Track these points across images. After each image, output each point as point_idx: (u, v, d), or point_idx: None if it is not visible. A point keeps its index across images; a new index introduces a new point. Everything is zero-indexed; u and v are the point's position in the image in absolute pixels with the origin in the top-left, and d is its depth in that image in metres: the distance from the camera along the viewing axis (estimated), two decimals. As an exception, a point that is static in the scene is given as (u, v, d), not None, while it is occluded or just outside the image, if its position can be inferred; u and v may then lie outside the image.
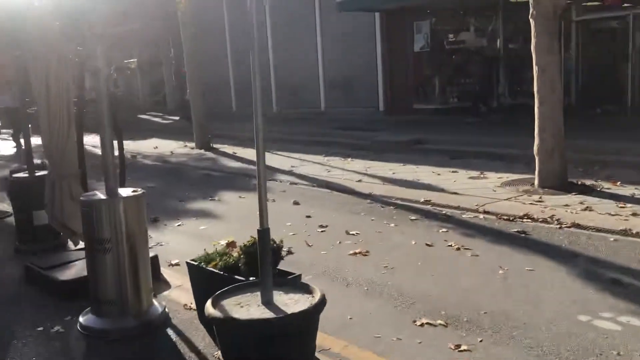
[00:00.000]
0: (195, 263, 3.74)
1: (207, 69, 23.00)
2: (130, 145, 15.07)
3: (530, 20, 7.18)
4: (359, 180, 8.67)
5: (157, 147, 14.32)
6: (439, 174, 8.77)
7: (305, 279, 3.65)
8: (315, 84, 18.53)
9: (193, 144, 14.11)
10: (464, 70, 15.93)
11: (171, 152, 13.37)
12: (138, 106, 27.17)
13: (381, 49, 16.64)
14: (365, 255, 5.11)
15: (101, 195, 3.83)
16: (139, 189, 3.93)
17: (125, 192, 3.91)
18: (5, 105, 15.56)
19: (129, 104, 23.78)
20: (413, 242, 5.42)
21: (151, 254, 4.82)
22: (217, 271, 3.53)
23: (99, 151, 3.97)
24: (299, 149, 12.54)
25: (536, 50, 7.13)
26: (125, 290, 3.76)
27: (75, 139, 4.51)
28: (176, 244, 5.77)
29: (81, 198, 3.87)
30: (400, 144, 11.98)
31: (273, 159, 11.34)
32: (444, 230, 5.81)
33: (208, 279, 3.57)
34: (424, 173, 8.95)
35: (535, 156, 7.31)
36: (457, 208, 6.72)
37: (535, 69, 7.15)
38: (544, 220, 5.91)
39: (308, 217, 6.61)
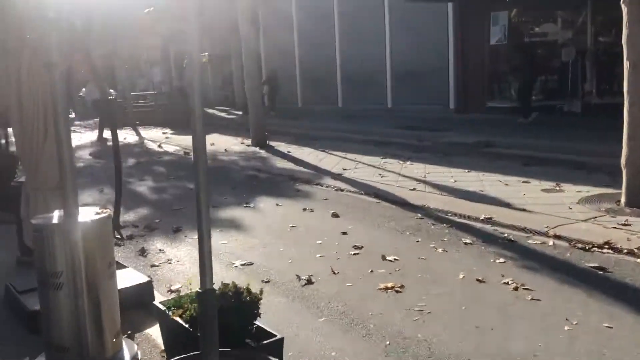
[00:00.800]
0: (163, 308, 3.00)
1: (273, 63, 22.60)
2: (186, 142, 14.81)
3: (622, 6, 5.93)
4: (413, 189, 7.69)
5: (213, 144, 13.87)
6: (507, 184, 7.63)
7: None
8: (382, 78, 17.54)
9: (250, 141, 13.57)
10: (546, 66, 14.40)
11: (225, 149, 12.87)
12: (208, 100, 27.22)
13: (454, 41, 15.41)
14: (399, 291, 4.19)
15: (56, 218, 3.15)
16: (106, 210, 3.21)
17: (87, 214, 3.21)
18: (93, 97, 15.95)
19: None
20: (461, 276, 4.44)
21: (145, 279, 4.17)
22: (182, 323, 2.76)
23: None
24: (356, 148, 11.67)
25: (628, 42, 5.89)
26: (84, 335, 3.06)
27: (55, 149, 3.85)
28: (188, 263, 5.08)
29: (32, 220, 3.21)
30: (467, 147, 10.82)
31: (325, 160, 10.54)
32: (502, 260, 4.77)
33: (173, 330, 2.82)
34: (489, 182, 7.84)
35: (623, 168, 6.08)
36: (523, 230, 5.64)
37: (625, 64, 5.90)
38: (631, 252, 4.75)
39: (344, 233, 5.74)
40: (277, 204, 7.23)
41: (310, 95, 20.91)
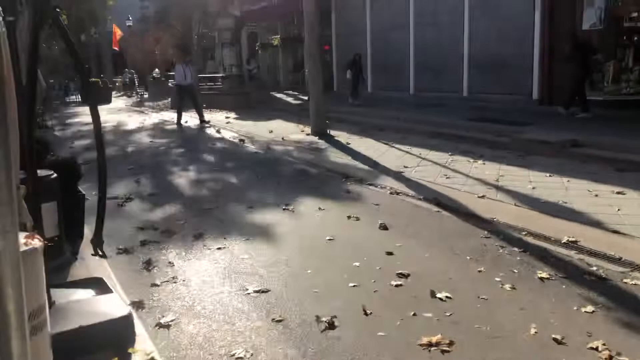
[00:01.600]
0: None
1: (342, 46, 21.56)
2: (246, 128, 14.17)
3: None
4: (482, 196, 6.54)
5: (272, 132, 13.15)
6: (596, 195, 6.33)
7: None
8: (458, 64, 16.09)
9: (310, 130, 12.72)
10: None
11: (282, 138, 12.07)
12: (279, 84, 26.61)
13: (540, 25, 13.76)
14: (446, 350, 3.16)
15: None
16: (37, 240, 2.40)
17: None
18: (179, 83, 15.60)
19: (262, 83, 23.07)
20: (532, 331, 3.35)
21: (124, 311, 3.37)
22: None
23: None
24: (422, 142, 10.54)
25: None
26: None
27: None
28: (194, 284, 4.26)
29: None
30: (551, 146, 9.42)
31: (387, 155, 9.50)
32: (590, 309, 3.62)
33: None
34: (576, 191, 6.55)
35: None
36: (618, 262, 4.42)
37: None
38: None
39: (389, 254, 4.74)
40: (319, 208, 6.30)
41: (381, 81, 19.75)
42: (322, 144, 11.19)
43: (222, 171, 8.59)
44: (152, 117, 17.96)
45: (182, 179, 8.12)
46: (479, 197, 6.55)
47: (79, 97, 26.00)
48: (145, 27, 30.45)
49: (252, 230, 5.50)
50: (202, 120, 15.14)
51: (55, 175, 4.57)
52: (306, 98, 20.30)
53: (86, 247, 5.02)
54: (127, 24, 35.67)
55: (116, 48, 35.05)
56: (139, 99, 26.52)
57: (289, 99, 21.42)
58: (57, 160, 5.42)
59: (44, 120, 10.82)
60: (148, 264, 4.56)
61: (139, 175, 8.37)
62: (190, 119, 17.07)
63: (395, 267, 4.41)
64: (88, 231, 5.45)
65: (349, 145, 10.73)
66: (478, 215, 5.84)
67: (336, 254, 4.80)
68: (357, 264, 4.50)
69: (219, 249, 4.98)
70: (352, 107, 16.93)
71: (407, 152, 9.70)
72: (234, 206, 6.48)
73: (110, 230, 5.60)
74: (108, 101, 25.14)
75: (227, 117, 17.08)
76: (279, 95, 23.17)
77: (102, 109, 21.08)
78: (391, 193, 6.95)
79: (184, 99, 15.57)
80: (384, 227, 5.47)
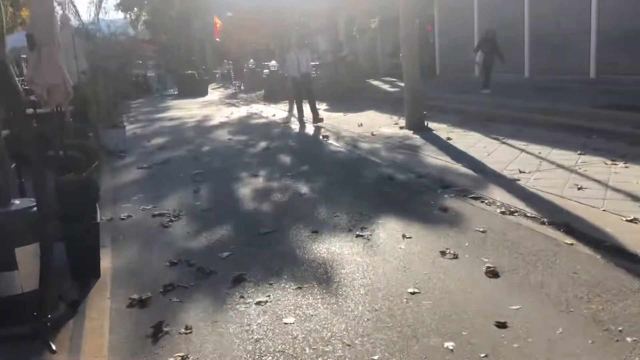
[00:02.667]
0: None
1: (447, 25, 19.52)
2: (334, 121, 12.80)
3: None
4: (633, 219, 4.71)
5: (361, 125, 11.69)
6: None
7: None
8: (584, 41, 13.62)
9: (404, 122, 11.14)
10: None
11: (372, 132, 10.58)
12: (377, 70, 25.00)
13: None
14: None
15: None
16: None
17: None
18: (291, 74, 13.91)
19: (358, 70, 21.54)
20: None
21: None
22: None
23: None
24: (542, 136, 8.66)
25: None
26: None
27: None
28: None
29: None
30: None
31: (496, 154, 7.77)
32: None
33: None
34: None
35: None
36: None
37: None
38: None
39: (500, 326, 3.16)
40: (404, 235, 4.79)
41: (450, 62, 17.59)
42: (417, 139, 9.57)
43: (294, 178, 7.29)
44: (241, 110, 17.12)
45: (247, 188, 6.91)
46: (627, 220, 4.73)
47: (176, 90, 26.04)
48: (244, 17, 29.96)
49: (310, 272, 4.12)
50: (317, 118, 12.62)
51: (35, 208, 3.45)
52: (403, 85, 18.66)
53: (99, 292, 3.91)
54: (228, 14, 35.57)
55: (217, 39, 35.14)
56: (234, 91, 26.09)
57: (386, 87, 19.78)
58: (68, 179, 4.35)
59: (115, 120, 10.15)
60: (157, 330, 3.32)
61: (202, 183, 7.28)
62: (279, 112, 16.00)
63: (510, 350, 2.84)
64: (109, 264, 4.38)
65: (449, 142, 9.04)
66: (630, 252, 4.07)
67: (419, 323, 3.29)
68: (451, 345, 2.97)
69: (259, 303, 3.64)
70: (454, 92, 15.00)
71: (523, 150, 7.87)
72: (296, 230, 5.13)
73: (138, 264, 4.49)
74: (204, 93, 24.89)
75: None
76: (375, 82, 21.57)
77: (194, 103, 20.72)
78: (503, 212, 5.27)
79: (301, 93, 13.12)
80: (492, 274, 3.87)
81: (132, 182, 7.66)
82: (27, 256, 3.32)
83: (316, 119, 12.58)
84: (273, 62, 21.46)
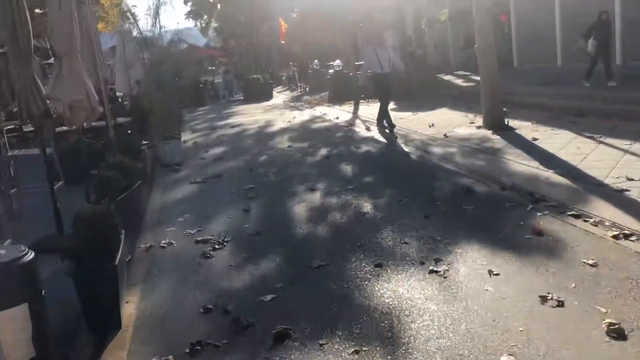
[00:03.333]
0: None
1: (524, 13, 18.02)
2: (403, 121, 11.83)
3: None
4: None
5: (432, 125, 10.66)
6: None
7: None
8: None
9: (481, 120, 10.04)
10: None
11: (445, 134, 9.54)
12: (448, 64, 23.68)
13: None
14: None
15: None
16: None
17: None
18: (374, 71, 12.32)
19: (427, 65, 20.33)
20: None
21: None
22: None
23: None
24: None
25: None
26: None
27: None
28: None
29: None
30: None
31: (592, 157, 6.63)
32: None
33: None
34: None
35: None
36: None
37: None
38: None
39: None
40: (490, 271, 3.82)
41: (528, 52, 15.99)
42: (497, 140, 8.46)
43: (356, 192, 6.43)
44: (303, 114, 16.43)
45: (302, 206, 6.12)
46: None
47: (242, 95, 25.79)
48: (308, 16, 29.38)
49: (371, 326, 3.26)
50: (390, 124, 10.66)
51: (31, 256, 2.79)
52: (478, 79, 17.33)
53: (115, 350, 3.23)
54: (292, 15, 35.19)
55: (282, 41, 34.81)
56: (299, 93, 25.52)
57: (459, 81, 18.50)
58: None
59: (170, 132, 9.66)
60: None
61: (253, 200, 6.57)
62: (343, 113, 15.18)
63: None
64: (134, 309, 3.71)
65: (535, 142, 7.89)
66: None
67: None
68: None
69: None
70: (535, 85, 13.61)
71: (627, 151, 6.66)
72: (355, 262, 4.28)
73: (168, 309, 3.79)
74: (269, 97, 24.46)
75: (384, 109, 14.86)
76: (447, 77, 20.30)
77: (258, 108, 20.25)
78: (615, 236, 4.19)
79: (387, 93, 11.01)
80: (616, 333, 2.86)
81: (181, 200, 7.07)
82: (13, 321, 2.67)
83: (390, 125, 10.70)
84: (337, 62, 20.67)
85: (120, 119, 10.42)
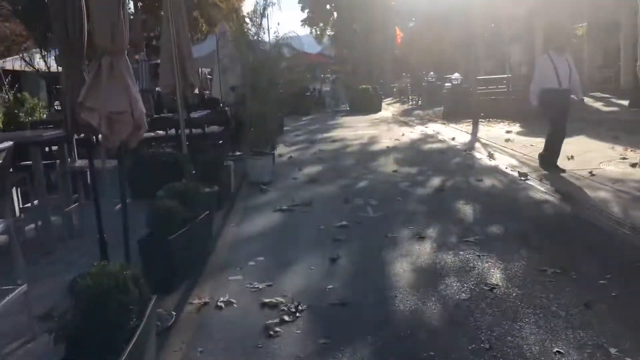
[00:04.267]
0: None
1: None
2: (532, 149, 9.97)
3: None
4: None
5: (571, 158, 8.76)
6: None
7: None
8: None
9: (638, 157, 8.04)
10: None
11: (591, 172, 7.66)
12: (583, 83, 20.98)
13: None
14: None
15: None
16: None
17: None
18: (546, 87, 10.19)
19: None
20: None
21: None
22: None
23: None
24: None
25: None
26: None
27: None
28: None
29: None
30: None
31: None
32: None
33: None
34: None
35: None
36: None
37: None
38: None
39: None
40: None
41: None
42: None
43: (480, 247, 4.87)
44: (414, 131, 14.88)
45: (406, 262, 4.67)
46: None
47: (348, 105, 24.65)
48: (427, 26, 27.75)
49: None
50: (554, 164, 8.11)
51: None
52: (627, 103, 14.83)
53: None
54: (410, 25, 33.71)
55: (397, 51, 33.38)
56: (410, 107, 23.94)
57: (598, 105, 16.08)
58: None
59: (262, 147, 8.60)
60: None
61: (344, 244, 5.22)
62: (460, 134, 13.43)
63: None
64: None
65: None
66: None
67: None
68: None
69: None
70: None
71: None
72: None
73: None
74: (377, 110, 23.10)
75: (508, 132, 12.96)
76: (585, 99, 17.81)
77: (364, 120, 18.95)
78: None
79: (562, 117, 8.16)
80: None
81: (258, 235, 5.85)
82: None
83: (548, 162, 8.19)
84: (456, 75, 18.90)
85: (214, 127, 9.54)
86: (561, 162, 8.63)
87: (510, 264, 4.47)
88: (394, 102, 28.52)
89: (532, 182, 7.58)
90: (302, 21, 48.65)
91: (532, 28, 21.28)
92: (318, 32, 49.40)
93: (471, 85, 17.86)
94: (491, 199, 6.81)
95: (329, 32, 49.02)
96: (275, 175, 8.81)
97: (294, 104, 22.98)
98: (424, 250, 4.93)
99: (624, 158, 8.58)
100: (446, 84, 20.80)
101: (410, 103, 24.88)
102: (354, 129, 16.14)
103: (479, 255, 4.68)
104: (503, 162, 9.23)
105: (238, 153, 10.06)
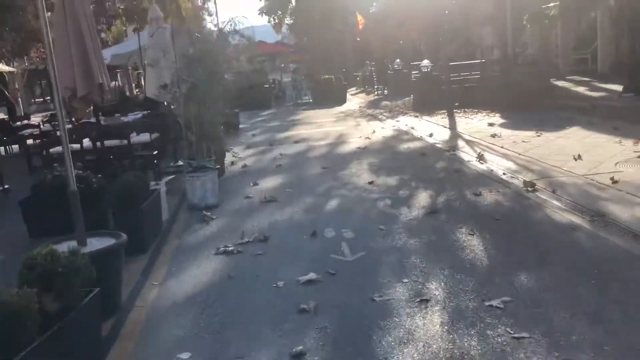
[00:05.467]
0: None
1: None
2: (526, 146, 8.52)
3: None
4: None
5: (579, 157, 7.31)
6: None
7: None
8: None
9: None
10: None
11: (612, 178, 6.18)
12: (556, 67, 19.81)
13: None
14: None
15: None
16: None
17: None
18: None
19: (533, 69, 16.59)
20: None
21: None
22: None
23: None
24: None
25: None
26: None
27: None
28: None
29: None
30: None
31: None
32: None
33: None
34: None
35: None
36: None
37: None
38: None
39: None
40: None
41: None
42: None
43: (504, 326, 3.30)
44: (385, 127, 13.27)
45: (408, 353, 3.04)
46: None
47: (310, 98, 22.91)
48: (389, 10, 26.11)
49: None
50: None
51: None
52: (614, 87, 13.48)
53: None
54: (371, 10, 32.07)
55: (358, 38, 31.81)
56: (377, 97, 22.36)
57: (581, 89, 14.77)
58: None
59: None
60: None
61: (313, 316, 3.56)
62: (437, 129, 11.89)
63: None
64: None
65: None
66: None
67: None
68: None
69: None
70: None
71: None
72: None
73: None
74: (342, 101, 21.44)
75: (490, 125, 11.50)
76: (559, 83, 16.58)
77: (329, 115, 17.26)
78: None
79: None
80: None
81: (187, 304, 4.04)
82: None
83: None
84: (425, 62, 17.35)
85: (143, 136, 7.72)
86: (568, 164, 7.17)
87: (571, 353, 2.89)
88: (359, 92, 26.92)
89: (543, 194, 6.05)
90: (259, 10, 46.53)
91: (503, 9, 19.87)
92: (276, 21, 47.43)
93: (442, 73, 16.39)
94: (500, 224, 5.22)
95: (287, 20, 47.09)
96: (224, 194, 7.07)
97: (252, 98, 21.23)
98: (433, 329, 3.30)
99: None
100: (413, 72, 19.25)
101: (376, 93, 23.28)
102: (319, 126, 14.44)
103: (517, 339, 3.09)
104: (497, 165, 7.70)
105: (181, 163, 8.29)
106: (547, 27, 21.61)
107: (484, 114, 13.50)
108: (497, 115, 12.98)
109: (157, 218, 5.65)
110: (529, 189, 6.27)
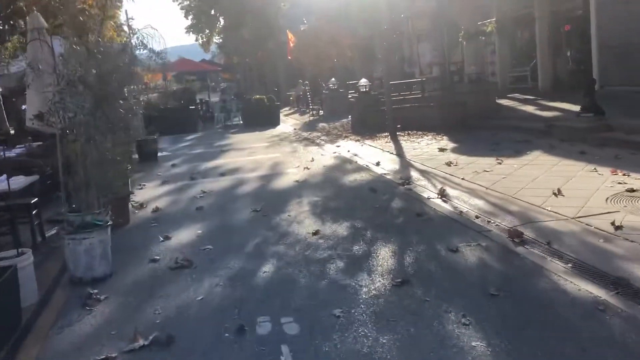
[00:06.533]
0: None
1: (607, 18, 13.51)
2: (490, 178, 7.28)
3: None
4: None
5: (559, 193, 6.08)
6: None
7: None
8: None
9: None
10: None
11: (614, 223, 4.96)
12: (495, 84, 19.11)
13: None
14: None
15: None
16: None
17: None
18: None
19: (483, 86, 15.79)
20: None
21: None
22: None
23: None
24: None
25: None
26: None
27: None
28: None
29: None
30: None
31: None
32: None
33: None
34: None
35: None
36: None
37: None
38: None
39: None
40: None
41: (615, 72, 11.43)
42: None
43: None
44: (325, 153, 11.85)
45: None
46: None
47: (241, 119, 21.26)
48: (321, 27, 24.96)
49: None
50: None
51: None
52: (562, 106, 12.59)
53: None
54: (302, 28, 30.90)
55: (289, 57, 30.60)
56: (312, 118, 20.99)
57: (528, 108, 13.91)
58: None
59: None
60: None
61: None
62: (383, 155, 10.55)
63: None
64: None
65: None
66: None
67: None
68: None
69: None
70: None
71: None
72: None
73: None
74: (275, 123, 19.91)
75: (441, 150, 10.29)
76: (503, 102, 15.76)
77: (261, 139, 15.65)
78: None
79: None
80: None
81: None
82: None
83: None
84: (364, 81, 16.17)
85: (16, 180, 5.87)
86: (550, 203, 5.94)
87: None
88: (292, 113, 25.51)
89: (536, 248, 4.72)
90: (186, 28, 44.54)
91: (441, 25, 19.04)
92: (204, 39, 45.56)
93: (381, 92, 15.23)
94: (499, 305, 3.78)
95: (216, 39, 45.29)
96: (122, 255, 5.33)
97: (176, 121, 19.36)
98: None
99: (632, 189, 6.07)
100: (350, 92, 18.06)
101: (311, 113, 21.93)
102: (250, 153, 12.82)
103: None
104: (465, 204, 6.37)
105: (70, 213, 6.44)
106: (482, 44, 21.08)
107: (430, 136, 12.36)
108: (445, 138, 11.86)
109: (11, 309, 3.88)
110: (516, 240, 4.95)
